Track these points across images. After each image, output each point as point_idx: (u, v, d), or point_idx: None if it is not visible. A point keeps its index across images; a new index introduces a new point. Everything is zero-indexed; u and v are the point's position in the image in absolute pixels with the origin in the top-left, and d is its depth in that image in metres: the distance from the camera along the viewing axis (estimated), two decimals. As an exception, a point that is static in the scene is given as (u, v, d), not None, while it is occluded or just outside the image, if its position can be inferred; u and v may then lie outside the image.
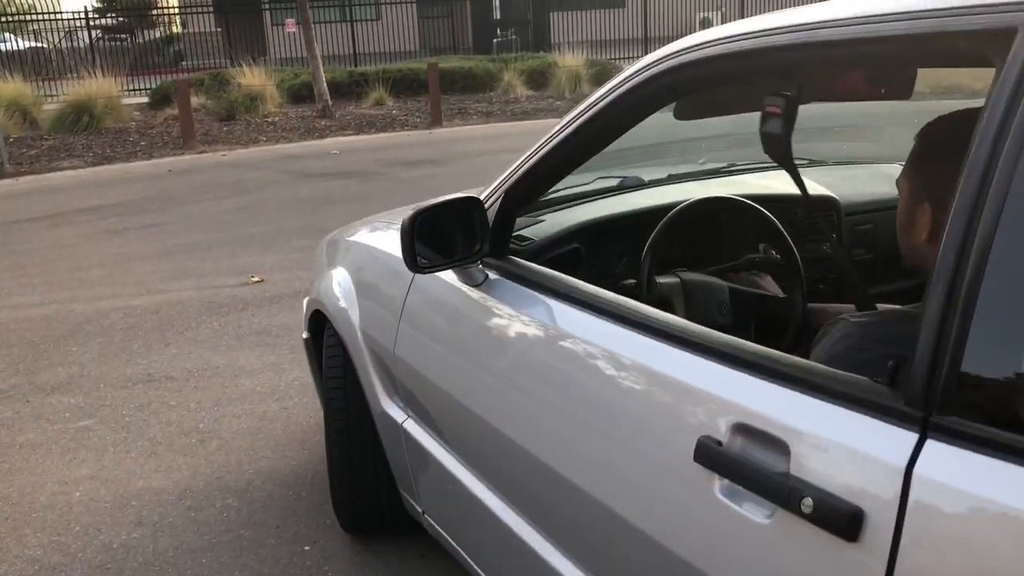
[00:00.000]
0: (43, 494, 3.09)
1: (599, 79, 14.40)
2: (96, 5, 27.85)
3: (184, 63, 23.23)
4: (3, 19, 20.92)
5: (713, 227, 2.24)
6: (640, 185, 2.62)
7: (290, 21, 19.83)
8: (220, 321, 4.84)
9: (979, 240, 0.93)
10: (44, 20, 20.53)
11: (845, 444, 1.05)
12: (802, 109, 1.71)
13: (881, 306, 1.78)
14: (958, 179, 0.97)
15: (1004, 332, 0.93)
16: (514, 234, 2.01)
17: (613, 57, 18.31)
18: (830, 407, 1.08)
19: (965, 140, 0.99)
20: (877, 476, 0.99)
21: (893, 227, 1.46)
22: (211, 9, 22.38)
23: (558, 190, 2.28)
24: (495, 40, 22.77)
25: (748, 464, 1.13)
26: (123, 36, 24.31)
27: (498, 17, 26.23)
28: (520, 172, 1.84)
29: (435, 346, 2.07)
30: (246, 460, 3.24)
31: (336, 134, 12.57)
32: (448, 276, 1.97)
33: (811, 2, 1.32)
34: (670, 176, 2.73)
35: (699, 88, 1.64)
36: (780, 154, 1.58)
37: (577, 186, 2.49)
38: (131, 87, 16.75)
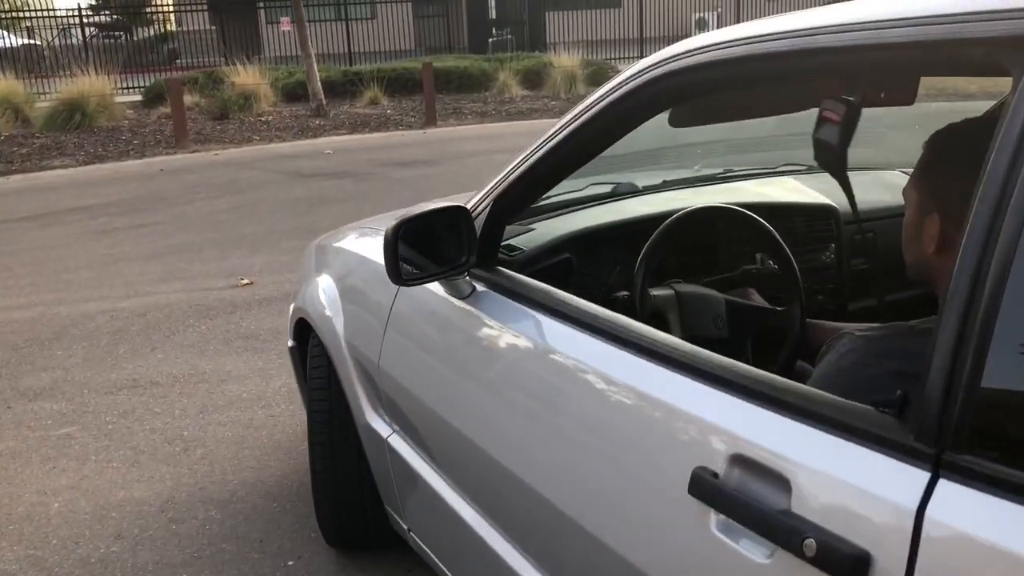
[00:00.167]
0: (21, 504, 3.01)
1: (595, 79, 14.35)
2: (91, 2, 27.72)
3: (179, 61, 23.16)
4: (-3, 16, 20.85)
5: (709, 237, 2.18)
6: (634, 192, 2.56)
7: (285, 19, 19.79)
8: (208, 324, 4.76)
9: (998, 257, 0.86)
10: (38, 17, 20.44)
11: (850, 481, 0.98)
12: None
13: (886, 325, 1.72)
14: (972, 190, 0.91)
15: None
16: (503, 243, 1.94)
17: (609, 57, 18.26)
18: (834, 439, 1.01)
19: (977, 149, 0.93)
20: (886, 517, 0.93)
21: (894, 236, 1.39)
22: (206, 7, 22.31)
23: (549, 197, 2.21)
24: (490, 40, 22.67)
25: (746, 500, 1.06)
26: (117, 34, 24.26)
27: (494, 16, 26.16)
28: (509, 179, 1.77)
29: (420, 359, 2.00)
30: (230, 470, 3.17)
31: (330, 133, 12.49)
32: (435, 287, 1.89)
33: (811, 2, 1.25)
34: (665, 183, 2.66)
35: (696, 94, 1.57)
36: (833, 164, 1.50)
37: (569, 192, 2.42)
38: (125, 85, 16.62)
